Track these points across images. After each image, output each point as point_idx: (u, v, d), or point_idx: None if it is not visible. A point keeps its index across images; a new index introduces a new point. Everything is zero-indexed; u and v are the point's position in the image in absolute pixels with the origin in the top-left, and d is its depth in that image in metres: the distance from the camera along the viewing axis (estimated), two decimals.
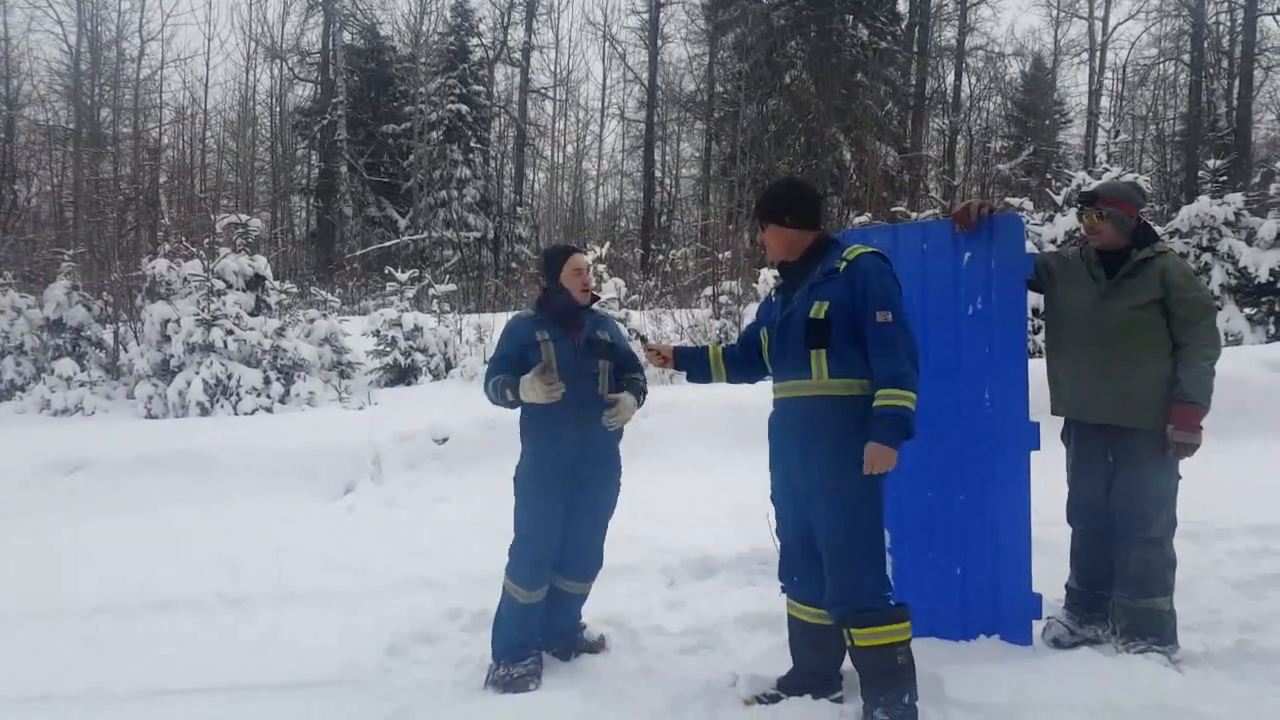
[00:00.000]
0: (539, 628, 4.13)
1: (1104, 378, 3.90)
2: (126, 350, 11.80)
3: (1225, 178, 13.43)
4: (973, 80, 33.90)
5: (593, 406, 4.02)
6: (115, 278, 12.89)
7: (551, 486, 4.02)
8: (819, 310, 3.35)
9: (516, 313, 4.26)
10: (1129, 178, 10.25)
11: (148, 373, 10.74)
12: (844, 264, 3.37)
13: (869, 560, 3.32)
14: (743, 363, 3.86)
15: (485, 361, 12.29)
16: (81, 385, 10.96)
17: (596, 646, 4.31)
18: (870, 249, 3.43)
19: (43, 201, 28.22)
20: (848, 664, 3.45)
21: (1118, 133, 30.68)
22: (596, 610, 4.48)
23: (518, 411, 4.10)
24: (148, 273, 11.88)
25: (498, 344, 4.17)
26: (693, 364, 4.00)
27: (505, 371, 3.98)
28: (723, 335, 11.63)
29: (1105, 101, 34.10)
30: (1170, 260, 3.90)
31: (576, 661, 4.20)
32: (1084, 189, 4.12)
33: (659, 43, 33.06)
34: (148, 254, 14.25)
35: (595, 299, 4.24)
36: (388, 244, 28.18)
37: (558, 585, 4.18)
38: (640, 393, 4.19)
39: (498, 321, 13.91)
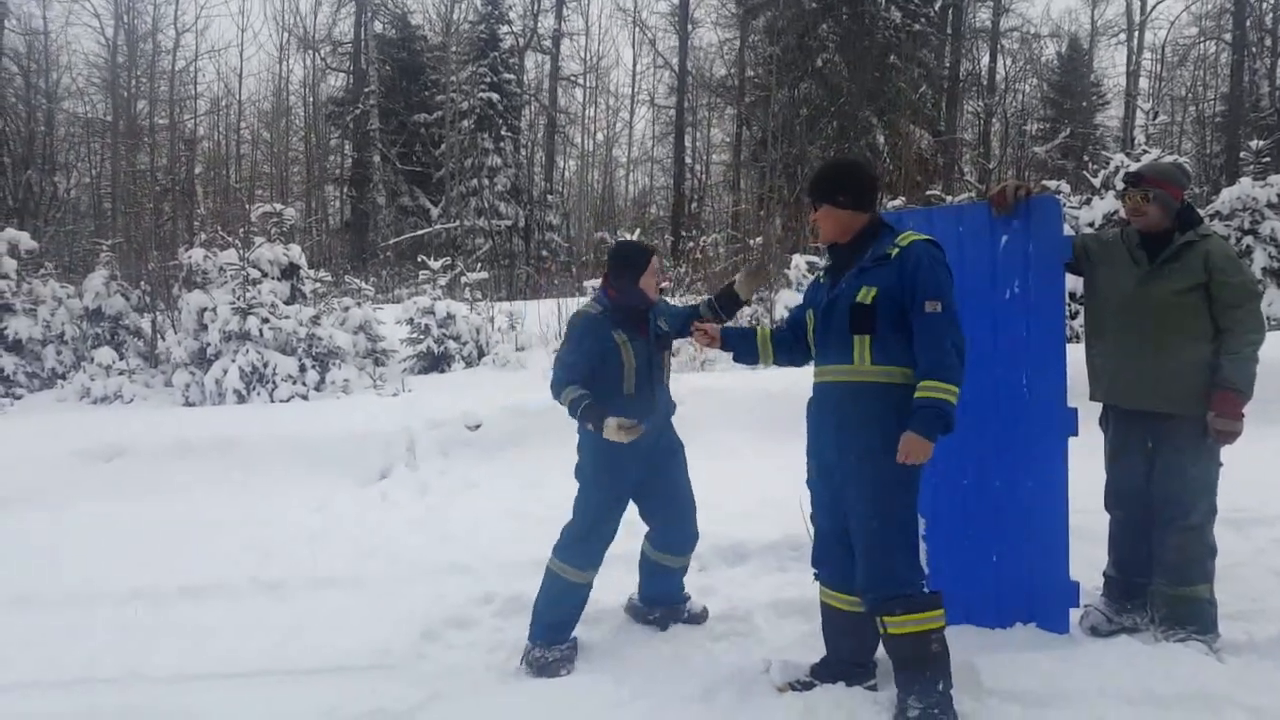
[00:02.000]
0: (580, 612, 4.16)
1: (1144, 362, 3.83)
2: (164, 339, 11.95)
3: (1268, 159, 13.15)
4: (1008, 62, 33.45)
5: (660, 395, 4.15)
6: (152, 267, 13.05)
7: (622, 475, 4.07)
8: (866, 295, 3.30)
9: (581, 308, 4.21)
10: (1170, 159, 10.07)
11: (185, 361, 10.87)
12: (896, 250, 3.32)
13: (902, 548, 3.29)
14: (790, 345, 3.80)
15: (517, 349, 12.36)
16: (120, 373, 11.12)
17: (700, 618, 4.39)
18: (924, 237, 3.38)
19: (81, 193, 28.69)
20: (882, 651, 3.43)
21: (1156, 114, 30.07)
22: (628, 595, 4.49)
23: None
24: (184, 262, 12.02)
25: (571, 341, 4.08)
26: (740, 345, 3.94)
27: (583, 374, 3.96)
28: (754, 321, 11.57)
29: (1144, 82, 33.55)
30: (1214, 243, 3.81)
31: (607, 647, 4.20)
32: (1128, 170, 4.02)
33: (689, 27, 32.85)
34: (184, 244, 14.43)
35: (662, 290, 4.32)
36: (420, 232, 28.30)
37: (657, 560, 4.30)
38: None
39: (529, 309, 13.97)
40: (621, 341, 4.01)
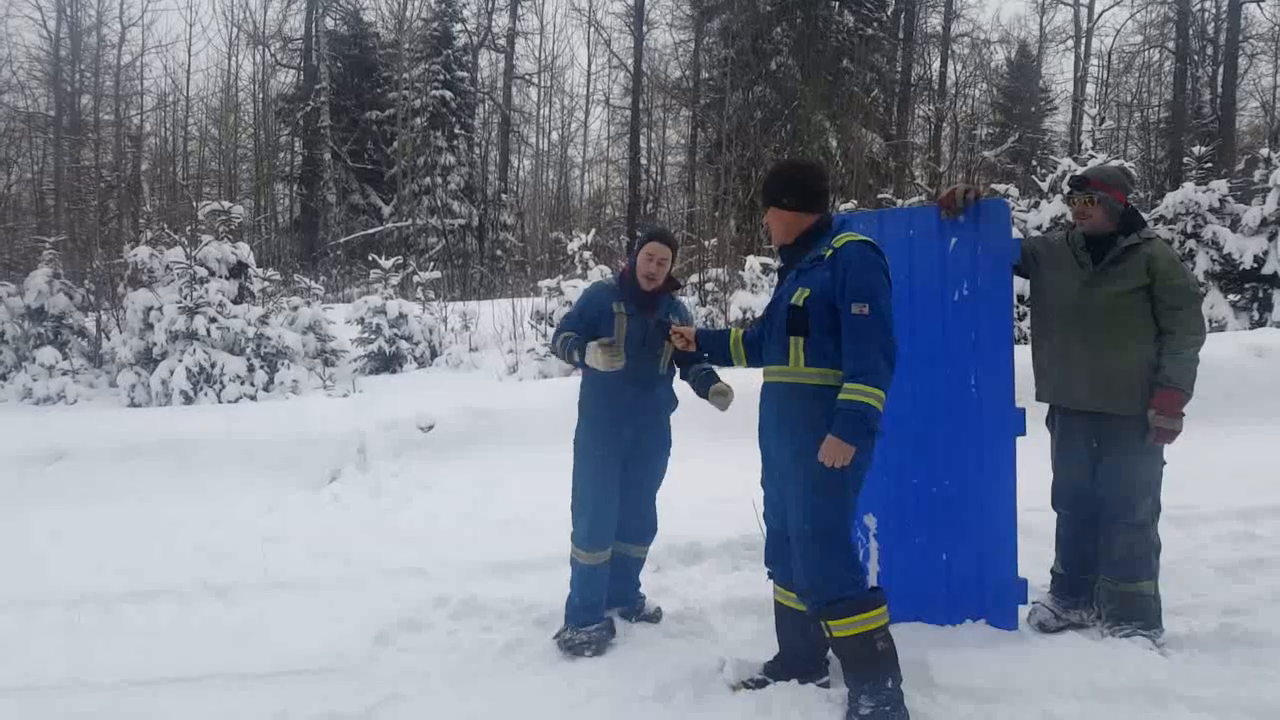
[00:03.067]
0: (605, 592, 4.21)
1: (1088, 363, 3.91)
2: (109, 338, 11.73)
3: (1210, 164, 13.47)
4: (958, 67, 33.94)
5: (652, 381, 4.22)
6: (97, 265, 12.82)
7: (610, 452, 4.15)
8: (799, 297, 3.33)
9: (599, 280, 4.53)
10: (1115, 163, 10.27)
11: (130, 361, 10.67)
12: (829, 251, 3.32)
13: (835, 550, 3.28)
14: (760, 346, 3.80)
15: (470, 349, 12.30)
16: (64, 374, 10.90)
17: (655, 617, 4.43)
18: (860, 237, 3.36)
19: (23, 189, 27.97)
20: None
21: (1103, 119, 30.74)
22: None
23: (576, 382, 4.26)
24: (130, 260, 11.81)
25: (576, 304, 4.33)
26: (714, 347, 4.02)
27: (575, 330, 4.15)
28: (709, 322, 11.63)
29: (1090, 88, 34.20)
30: (1157, 247, 3.89)
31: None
32: (1073, 173, 4.09)
33: (644, 28, 32.88)
34: (130, 241, 14.16)
35: (677, 285, 4.39)
36: (372, 231, 28.04)
37: (617, 549, 4.30)
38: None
39: (483, 309, 13.91)
40: (619, 312, 4.13)
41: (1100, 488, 3.95)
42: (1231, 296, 10.89)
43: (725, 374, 4.21)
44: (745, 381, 4.02)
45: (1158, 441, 3.84)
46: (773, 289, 3.93)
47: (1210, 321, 10.37)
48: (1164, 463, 3.92)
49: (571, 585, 4.18)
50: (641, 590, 4.51)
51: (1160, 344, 3.84)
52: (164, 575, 5.26)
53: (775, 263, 3.82)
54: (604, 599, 4.22)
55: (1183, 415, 3.79)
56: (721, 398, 4.07)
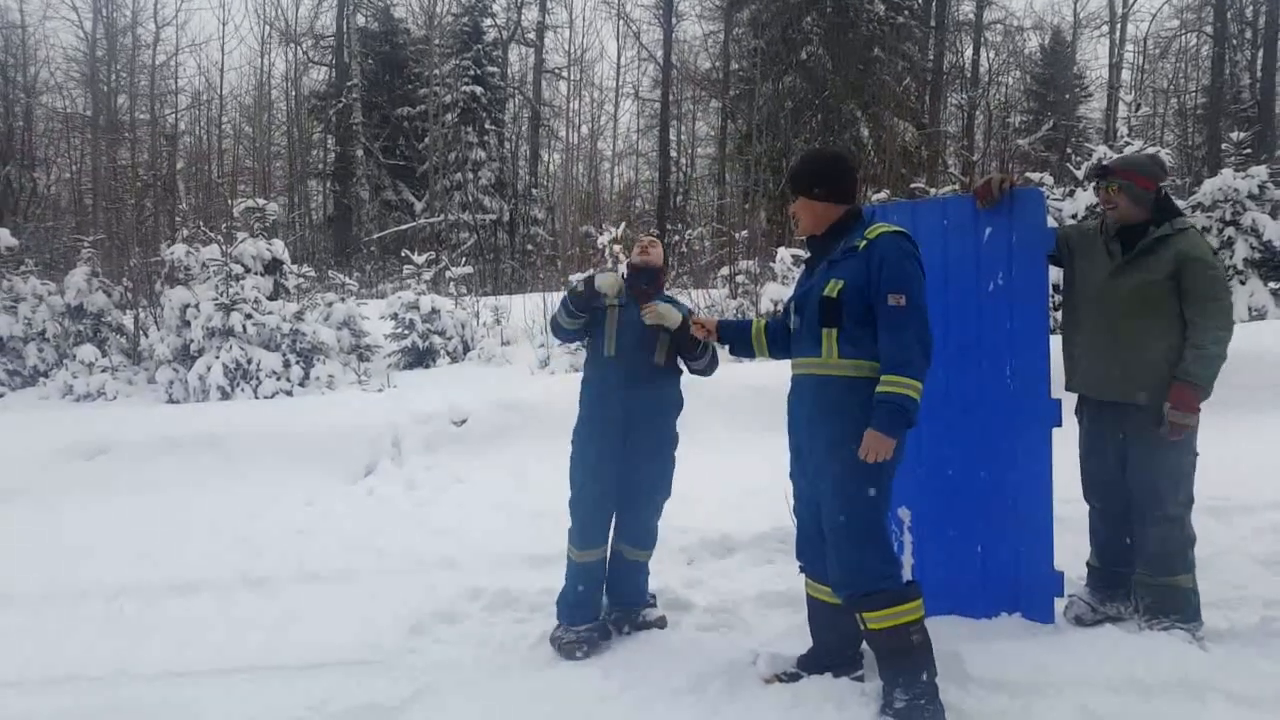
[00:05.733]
0: (598, 590, 4.16)
1: (1115, 354, 3.85)
2: (147, 335, 11.91)
3: (1249, 150, 13.21)
4: (991, 55, 33.50)
5: (645, 373, 4.12)
6: (134, 264, 13.02)
7: (602, 442, 4.08)
8: (833, 289, 3.30)
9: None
10: (1150, 151, 10.11)
11: (168, 357, 10.83)
12: (863, 243, 3.30)
13: (871, 542, 3.26)
14: (783, 338, 3.78)
15: (502, 343, 12.37)
16: (103, 371, 11.08)
17: (657, 624, 4.29)
18: (894, 229, 3.33)
19: (62, 189, 28.47)
20: None
21: (1139, 106, 30.27)
22: None
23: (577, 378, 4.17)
24: (166, 258, 11.99)
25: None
26: (735, 338, 3.98)
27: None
28: (740, 314, 11.60)
29: (1126, 74, 33.71)
30: (1189, 238, 3.79)
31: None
32: (1103, 162, 4.02)
33: (674, 20, 32.79)
34: (166, 240, 14.36)
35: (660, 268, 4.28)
36: (404, 227, 28.21)
37: (617, 548, 4.23)
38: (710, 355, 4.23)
39: (514, 303, 13.97)
40: (610, 304, 4.11)
41: (1129, 480, 3.90)
42: (1272, 284, 10.67)
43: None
44: (770, 373, 4.00)
45: (1171, 437, 3.73)
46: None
47: (1250, 310, 10.18)
48: (1195, 454, 3.84)
49: (565, 582, 4.13)
50: (651, 595, 4.38)
51: (1185, 336, 3.73)
52: (203, 567, 5.34)
53: (805, 254, 3.77)
54: (600, 596, 4.16)
55: (1199, 410, 3.68)
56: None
